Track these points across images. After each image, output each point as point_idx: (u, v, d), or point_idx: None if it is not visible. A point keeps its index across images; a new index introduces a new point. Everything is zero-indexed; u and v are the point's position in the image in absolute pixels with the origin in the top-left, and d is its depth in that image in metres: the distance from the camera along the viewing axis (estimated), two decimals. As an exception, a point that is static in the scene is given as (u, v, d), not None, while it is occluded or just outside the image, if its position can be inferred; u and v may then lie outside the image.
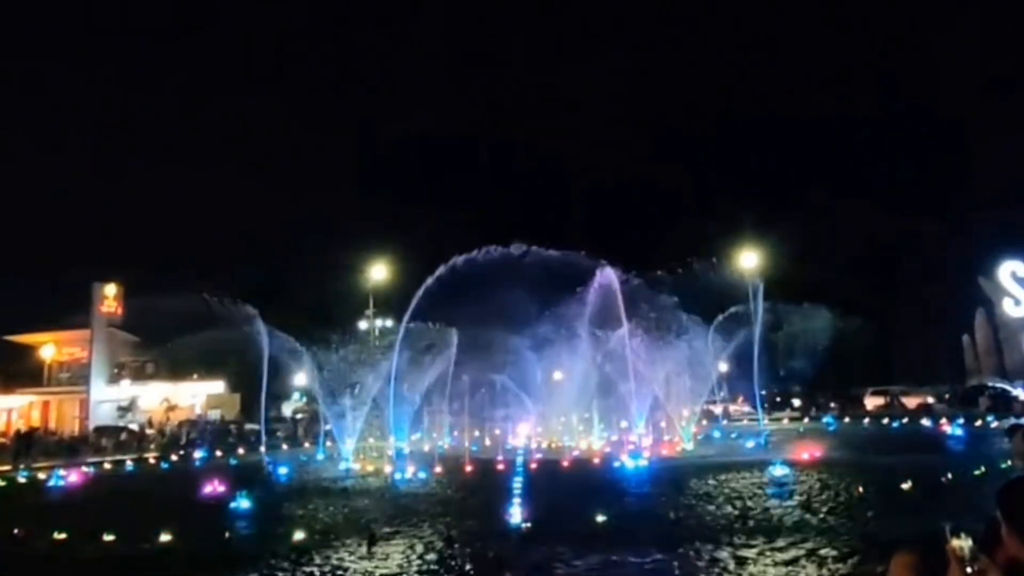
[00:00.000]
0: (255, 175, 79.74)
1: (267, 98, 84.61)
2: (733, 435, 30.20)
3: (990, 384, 39.62)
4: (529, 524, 11.81)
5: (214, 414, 45.24)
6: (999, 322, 45.39)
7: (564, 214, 73.12)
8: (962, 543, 2.86)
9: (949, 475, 15.02)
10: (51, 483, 23.21)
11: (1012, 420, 18.00)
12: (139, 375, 48.40)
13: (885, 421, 34.29)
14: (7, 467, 28.73)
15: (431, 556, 10.20)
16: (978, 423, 29.61)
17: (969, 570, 2.83)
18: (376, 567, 9.69)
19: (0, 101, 72.14)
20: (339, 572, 9.54)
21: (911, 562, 3.24)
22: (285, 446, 34.98)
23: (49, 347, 48.62)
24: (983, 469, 15.90)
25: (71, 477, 24.16)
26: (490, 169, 78.87)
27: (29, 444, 33.25)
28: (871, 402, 41.88)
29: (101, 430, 40.81)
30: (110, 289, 48.07)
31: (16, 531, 13.41)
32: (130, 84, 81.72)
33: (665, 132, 79.51)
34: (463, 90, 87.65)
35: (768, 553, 9.40)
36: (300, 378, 38.60)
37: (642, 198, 75.83)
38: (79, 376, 48.41)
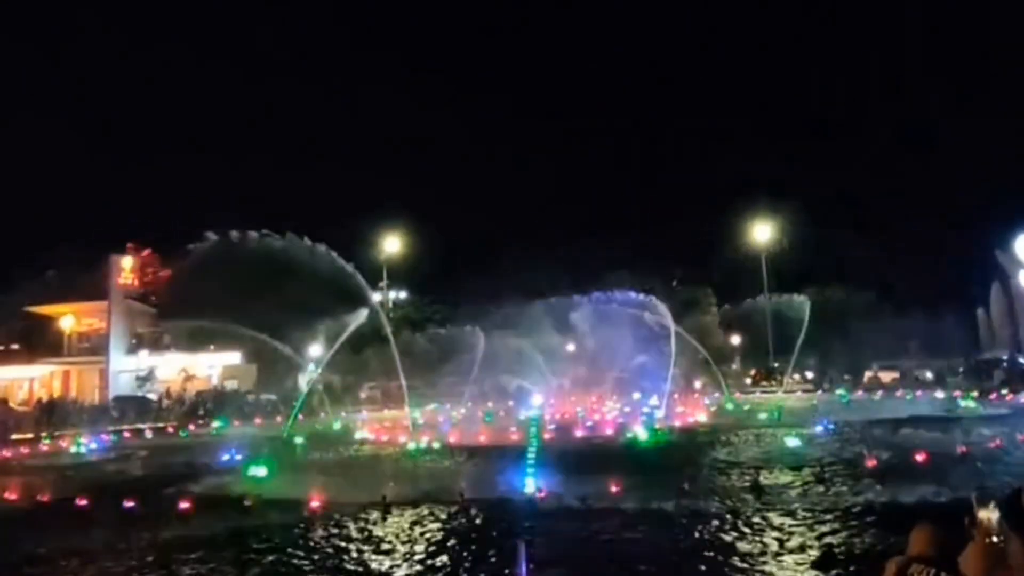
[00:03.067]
0: (269, 151, 79.66)
1: (277, 72, 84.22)
2: (746, 407, 30.27)
3: (1005, 357, 39.36)
4: (543, 493, 11.94)
5: (230, 384, 45.75)
6: (1015, 295, 44.98)
7: (574, 191, 72.88)
8: (989, 514, 2.89)
9: (963, 447, 15.03)
10: (72, 451, 23.65)
11: None
12: (156, 346, 48.92)
13: (899, 394, 34.23)
14: (30, 435, 29.24)
15: (445, 524, 10.34)
16: (992, 396, 29.51)
17: (995, 539, 2.87)
18: (390, 534, 9.84)
19: (18, 73, 72.22)
20: (354, 539, 9.70)
21: (930, 536, 3.26)
22: (300, 416, 35.35)
23: (68, 318, 49.20)
24: (997, 442, 15.90)
25: (91, 445, 24.58)
26: (502, 144, 78.51)
27: (51, 413, 33.83)
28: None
29: (120, 400, 41.39)
30: (126, 261, 48.52)
31: (40, 497, 13.71)
32: (147, 61, 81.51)
33: (675, 105, 78.80)
34: (471, 64, 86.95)
35: (780, 524, 9.47)
36: (315, 349, 38.90)
37: (656, 174, 75.38)
38: (98, 347, 49.02)
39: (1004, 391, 31.00)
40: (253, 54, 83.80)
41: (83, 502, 12.87)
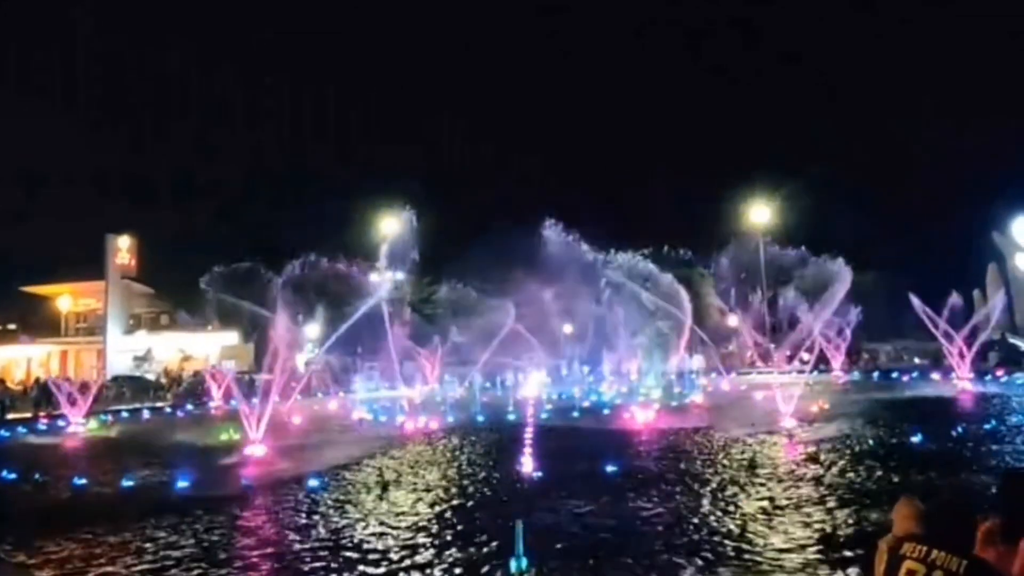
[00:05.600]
0: (267, 127, 79.22)
1: (275, 49, 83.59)
2: (742, 387, 30.37)
3: (999, 339, 39.43)
4: (540, 473, 11.99)
5: (228, 364, 45.77)
6: (1011, 277, 45.07)
7: (571, 171, 72.77)
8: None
9: (959, 428, 15.10)
10: (70, 430, 23.69)
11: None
12: (154, 326, 48.96)
13: (895, 375, 34.36)
14: (28, 415, 29.28)
15: (442, 503, 10.39)
16: (988, 377, 29.65)
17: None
18: (389, 513, 9.88)
19: (18, 46, 71.39)
20: (352, 518, 9.74)
21: (914, 511, 3.27)
22: (298, 396, 35.40)
23: (66, 298, 49.17)
24: (992, 423, 15.98)
25: (91, 425, 24.63)
26: (496, 125, 78.11)
27: (48, 393, 33.81)
28: None
29: (118, 379, 41.44)
30: (123, 241, 48.35)
31: (38, 477, 13.74)
32: (145, 36, 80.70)
33: (674, 85, 78.49)
34: (470, 49, 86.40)
35: (775, 503, 9.52)
36: (313, 329, 38.94)
37: (653, 154, 75.41)
38: (96, 327, 49.04)
39: (1000, 372, 31.17)
40: (249, 33, 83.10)
41: (81, 481, 12.91)
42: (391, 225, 53.57)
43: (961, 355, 29.43)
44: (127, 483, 12.66)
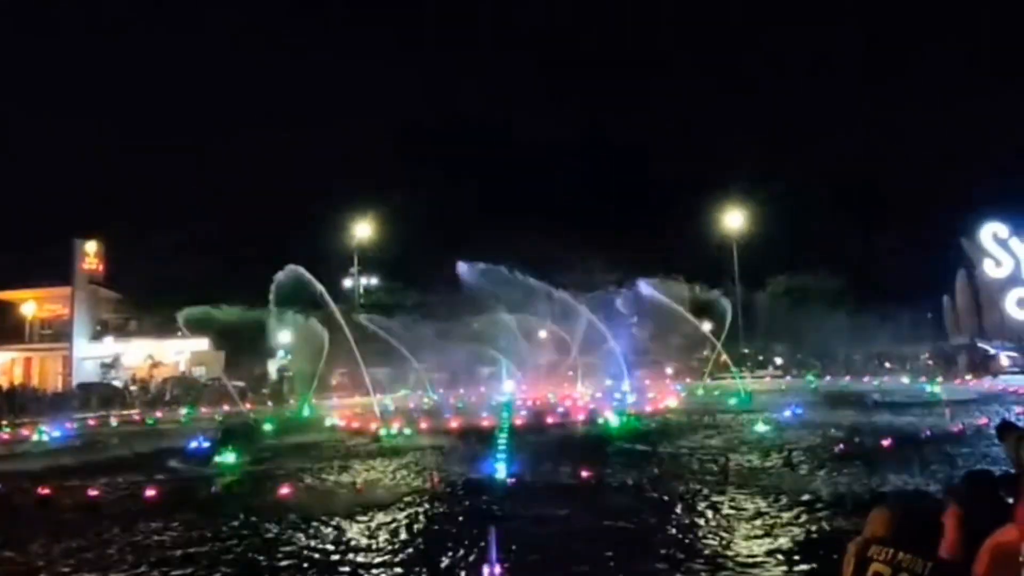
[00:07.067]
0: (239, 132, 78.29)
1: (241, 51, 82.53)
2: (716, 392, 30.56)
3: (968, 344, 40.18)
4: (514, 479, 11.93)
5: (198, 371, 45.11)
6: (979, 283, 45.93)
7: (549, 172, 72.94)
8: None
9: (928, 432, 15.30)
10: (35, 439, 23.18)
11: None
12: (122, 332, 48.09)
13: (866, 379, 34.86)
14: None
15: (415, 510, 10.29)
16: (957, 381, 30.19)
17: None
18: (360, 521, 9.76)
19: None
20: (325, 526, 9.61)
21: (887, 517, 3.29)
22: (270, 403, 35.04)
23: (30, 304, 48.16)
24: (960, 427, 16.22)
25: (55, 433, 24.10)
26: (477, 128, 77.98)
27: (12, 400, 33.16)
28: None
29: (85, 387, 40.67)
30: (91, 246, 47.53)
31: (0, 487, 13.40)
32: (116, 36, 79.21)
33: (648, 90, 78.95)
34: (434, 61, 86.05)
35: (748, 508, 9.55)
36: (285, 335, 38.55)
37: (627, 157, 75.89)
38: (61, 333, 48.07)
39: (968, 376, 31.76)
40: (215, 30, 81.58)
41: (45, 491, 12.60)
42: (364, 229, 53.42)
43: (930, 360, 29.89)
44: (92, 492, 12.37)
